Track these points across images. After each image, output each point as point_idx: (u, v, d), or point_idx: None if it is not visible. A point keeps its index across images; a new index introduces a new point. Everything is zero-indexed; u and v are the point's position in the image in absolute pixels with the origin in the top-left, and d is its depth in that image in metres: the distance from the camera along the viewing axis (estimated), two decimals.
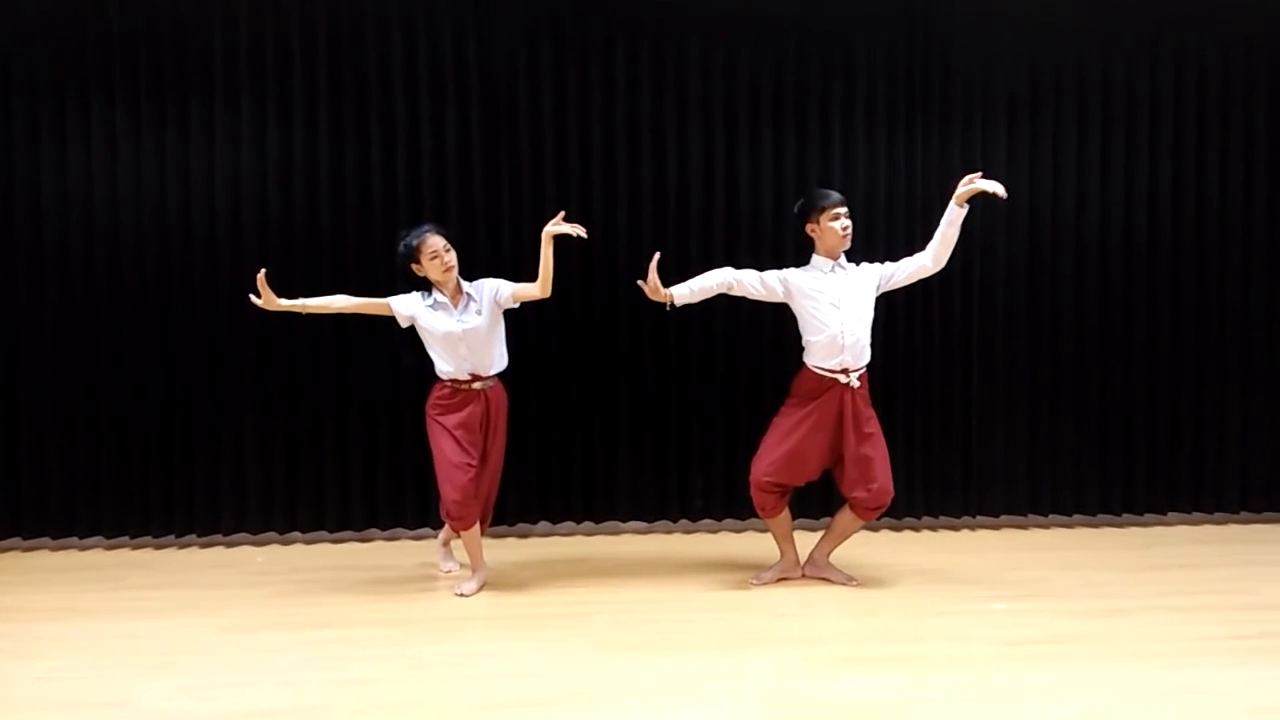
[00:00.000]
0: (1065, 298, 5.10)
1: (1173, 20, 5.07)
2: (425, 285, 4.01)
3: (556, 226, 3.91)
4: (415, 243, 3.92)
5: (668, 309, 3.98)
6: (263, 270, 3.90)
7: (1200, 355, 5.15)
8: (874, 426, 4.02)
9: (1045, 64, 5.05)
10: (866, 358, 4.01)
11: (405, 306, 4.00)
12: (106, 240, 4.74)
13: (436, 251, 3.90)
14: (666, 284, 3.95)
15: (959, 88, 5.02)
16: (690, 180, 4.94)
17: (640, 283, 3.91)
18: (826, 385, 3.96)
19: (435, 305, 3.98)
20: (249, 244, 4.73)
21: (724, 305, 4.92)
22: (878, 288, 4.07)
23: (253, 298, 3.92)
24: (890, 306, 4.99)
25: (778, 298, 4.02)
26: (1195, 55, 5.09)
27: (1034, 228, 5.09)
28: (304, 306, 3.95)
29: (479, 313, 3.99)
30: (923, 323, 5.06)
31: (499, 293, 4.03)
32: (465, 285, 4.03)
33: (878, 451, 4.00)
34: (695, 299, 3.98)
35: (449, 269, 3.93)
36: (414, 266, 3.94)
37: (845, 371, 3.95)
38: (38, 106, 4.70)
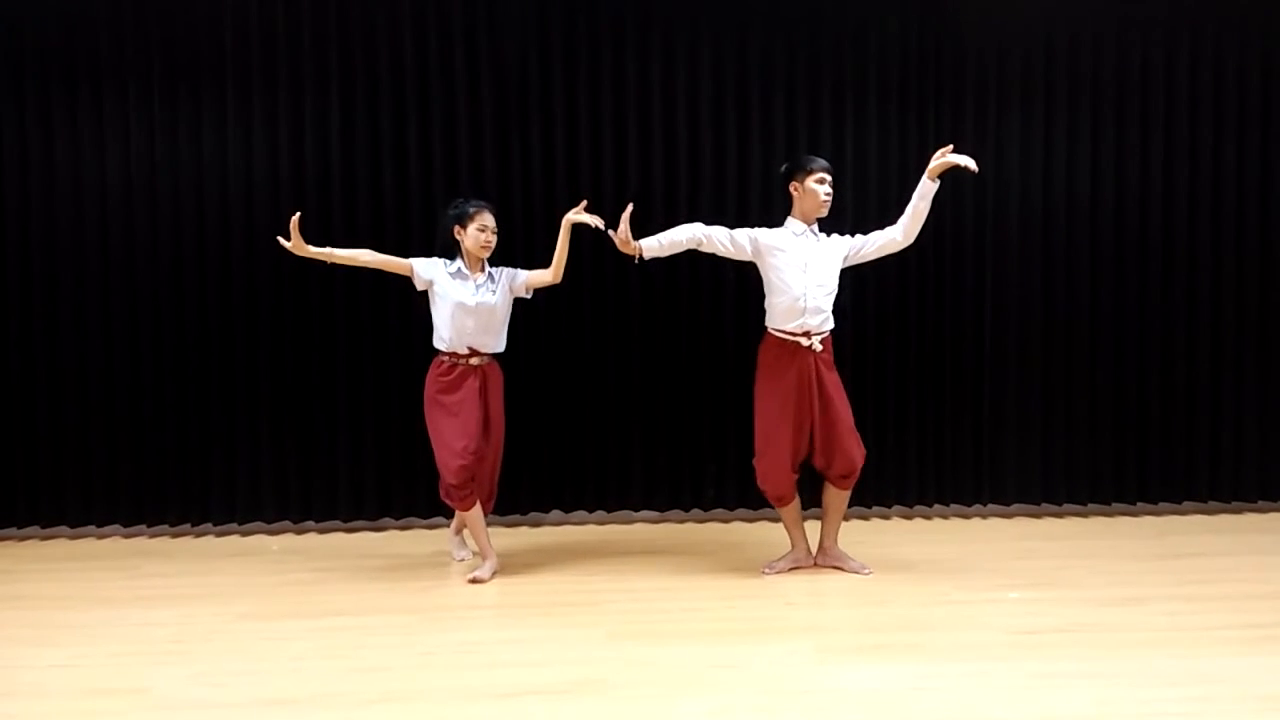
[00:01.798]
0: (1079, 285, 5.07)
1: (1188, 4, 5.02)
2: (450, 254, 4.10)
3: (577, 215, 3.99)
4: (471, 210, 4.06)
5: (635, 262, 3.97)
6: (298, 214, 3.97)
7: (1217, 342, 5.11)
8: (839, 392, 4.04)
9: (1059, 48, 5.01)
10: (829, 325, 4.02)
11: (426, 270, 4.09)
12: (121, 231, 4.77)
13: (485, 226, 4.05)
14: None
15: (972, 72, 4.99)
16: (702, 165, 4.94)
17: (610, 232, 3.91)
18: (790, 350, 3.97)
19: (456, 274, 4.06)
20: (262, 235, 4.74)
21: (736, 295, 4.92)
22: (845, 259, 4.08)
23: (282, 240, 3.97)
24: (903, 293, 4.99)
25: (745, 256, 4.04)
26: (1211, 40, 5.04)
27: (1048, 214, 5.05)
28: (330, 255, 4.03)
29: (494, 292, 4.08)
30: (935, 310, 5.04)
31: (515, 279, 4.16)
32: (488, 266, 4.13)
33: (842, 418, 4.02)
34: (664, 253, 3.98)
35: (487, 246, 4.06)
36: (457, 229, 4.06)
37: (806, 334, 3.96)
38: (49, 94, 4.73)
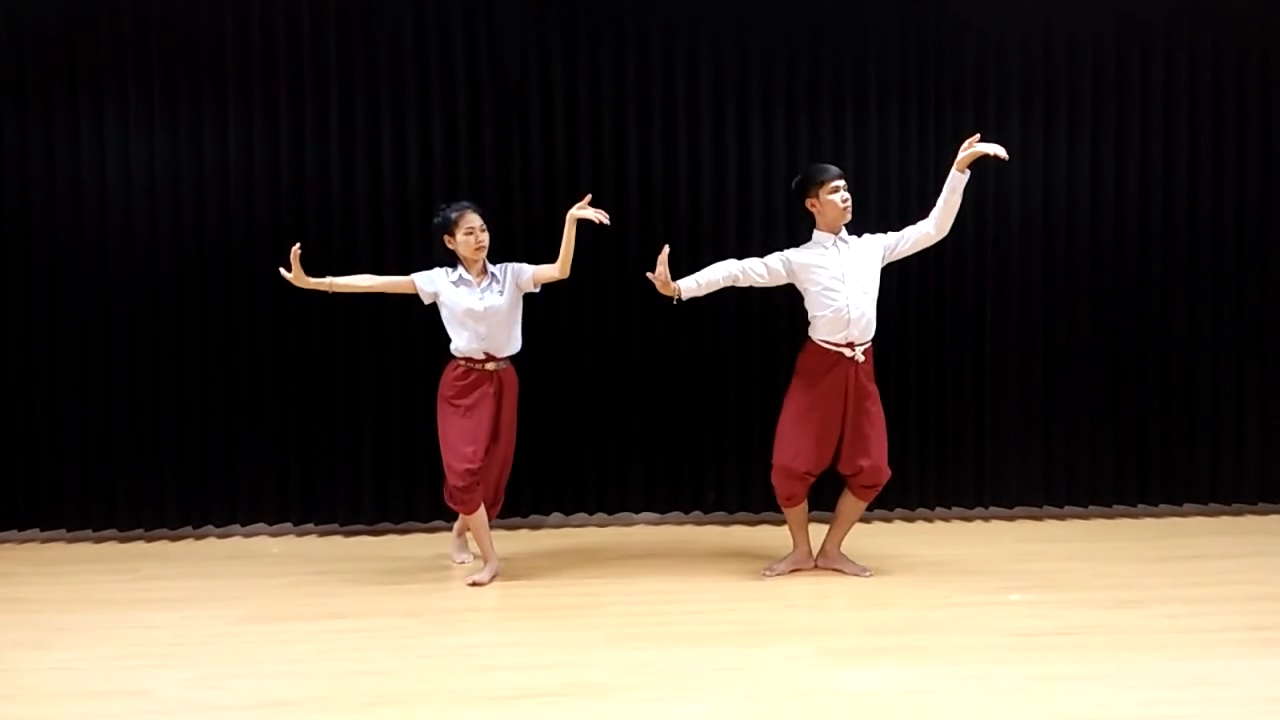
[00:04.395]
0: (1080, 287, 5.05)
1: (1187, 6, 5.02)
2: (450, 261, 4.08)
3: (582, 211, 3.97)
4: (454, 215, 4.00)
5: (674, 303, 3.96)
6: (298, 245, 3.96)
7: (1217, 344, 5.10)
8: (875, 403, 4.03)
9: (1059, 49, 5.00)
10: (872, 331, 4.00)
11: (428, 283, 4.08)
12: (121, 234, 4.76)
13: (472, 228, 4.00)
14: (676, 275, 3.92)
15: (971, 73, 4.98)
16: (702, 167, 4.92)
17: (649, 275, 3.89)
18: (832, 360, 3.95)
19: (459, 282, 4.05)
20: (263, 237, 4.74)
21: (736, 298, 4.90)
22: (883, 258, 4.06)
23: (283, 271, 3.97)
24: (904, 296, 4.98)
25: (782, 279, 4.02)
26: (1211, 40, 5.03)
27: (1048, 215, 5.04)
28: (331, 285, 4.03)
29: (500, 292, 4.05)
30: (936, 312, 5.03)
31: (521, 275, 4.12)
32: (490, 266, 4.11)
33: (875, 429, 4.00)
34: (702, 293, 3.97)
35: (480, 247, 4.02)
36: (447, 238, 4.03)
37: (851, 345, 3.94)
38: (50, 97, 4.72)
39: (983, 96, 4.99)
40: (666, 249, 3.88)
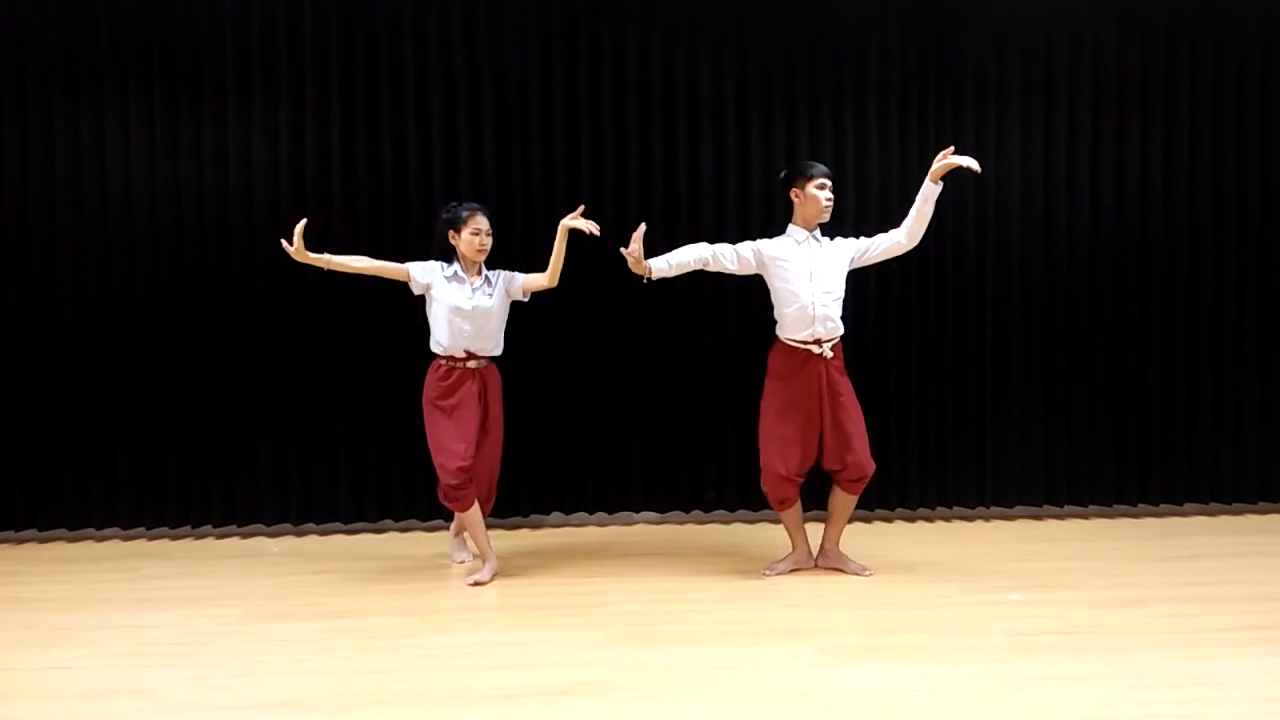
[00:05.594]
0: (1080, 286, 5.06)
1: (1187, 6, 5.02)
2: (447, 257, 4.10)
3: (574, 221, 4.01)
4: (465, 214, 4.06)
5: (644, 281, 3.98)
6: (304, 220, 3.98)
7: (1218, 343, 5.11)
8: (850, 398, 4.04)
9: (1059, 51, 5.01)
10: (839, 331, 4.02)
11: (422, 274, 4.11)
12: (121, 231, 4.77)
13: (479, 230, 4.05)
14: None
15: (971, 75, 4.99)
16: (702, 166, 4.94)
17: (623, 250, 3.90)
18: (802, 358, 3.97)
19: (453, 278, 4.08)
20: (262, 237, 4.75)
21: (737, 297, 4.92)
22: (851, 261, 4.08)
23: (284, 243, 3.98)
24: (904, 296, 4.99)
25: (751, 269, 4.04)
26: (1211, 41, 5.04)
27: (1049, 215, 5.05)
28: (328, 262, 4.04)
29: (490, 295, 4.10)
30: (936, 312, 5.04)
31: (512, 283, 4.18)
32: (484, 269, 4.15)
33: (854, 423, 4.02)
34: (672, 273, 3.98)
35: (483, 250, 4.07)
36: (451, 234, 4.07)
37: (818, 342, 3.96)
38: (50, 96, 4.73)
39: (983, 96, 5.00)
40: (643, 226, 3.90)
